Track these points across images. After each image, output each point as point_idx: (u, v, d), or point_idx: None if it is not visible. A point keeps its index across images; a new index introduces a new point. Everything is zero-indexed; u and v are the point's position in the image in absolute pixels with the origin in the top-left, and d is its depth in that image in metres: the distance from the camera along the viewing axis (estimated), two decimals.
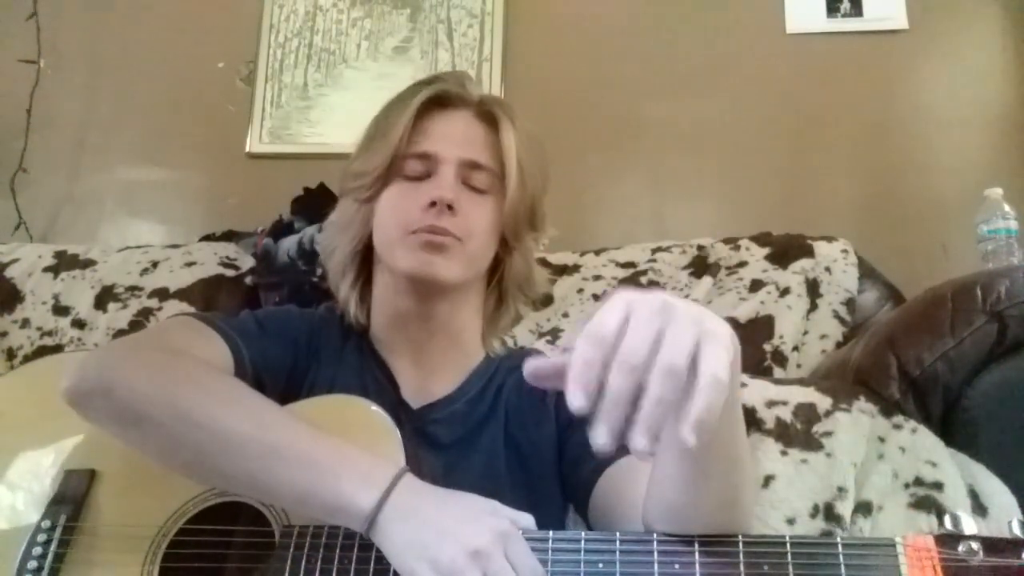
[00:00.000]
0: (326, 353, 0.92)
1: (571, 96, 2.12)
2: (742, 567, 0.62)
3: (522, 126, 0.93)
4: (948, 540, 0.59)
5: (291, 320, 0.94)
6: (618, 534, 0.65)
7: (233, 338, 0.84)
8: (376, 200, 0.91)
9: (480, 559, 0.62)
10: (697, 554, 0.63)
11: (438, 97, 0.91)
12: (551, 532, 0.67)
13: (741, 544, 0.63)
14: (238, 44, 2.27)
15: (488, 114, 0.93)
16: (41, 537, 0.74)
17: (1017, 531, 0.59)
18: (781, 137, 2.03)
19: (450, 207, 0.85)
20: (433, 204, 0.85)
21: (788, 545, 0.62)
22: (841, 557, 0.61)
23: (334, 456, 0.68)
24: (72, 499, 0.76)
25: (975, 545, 0.59)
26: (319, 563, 0.68)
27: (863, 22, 2.06)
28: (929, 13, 2.03)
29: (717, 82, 2.08)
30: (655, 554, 0.64)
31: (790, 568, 0.61)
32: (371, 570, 0.67)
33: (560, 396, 0.87)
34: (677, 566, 0.63)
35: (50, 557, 0.73)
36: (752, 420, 1.06)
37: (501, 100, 0.97)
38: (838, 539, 0.62)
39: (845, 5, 2.07)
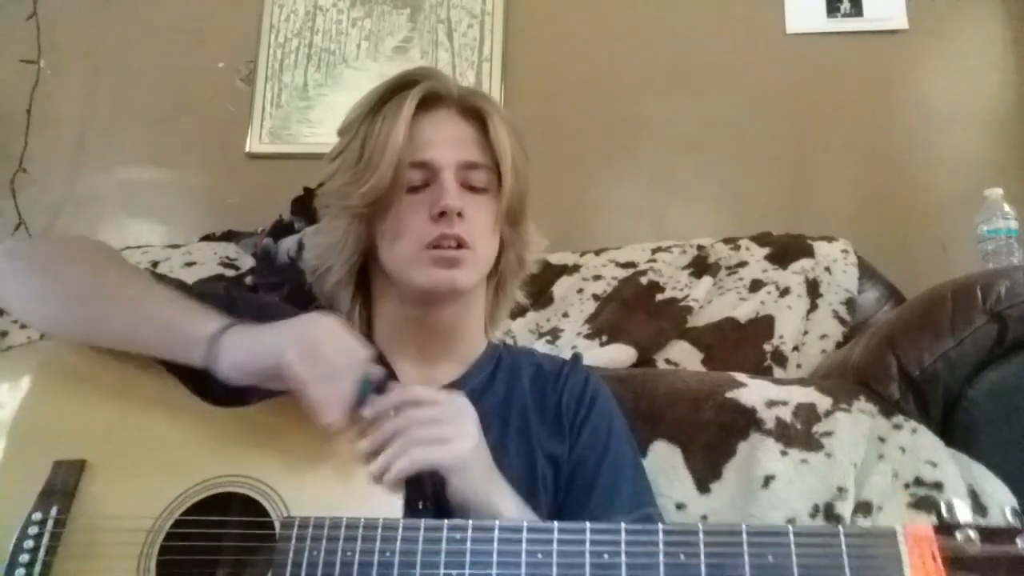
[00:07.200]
0: None
1: (571, 96, 2.12)
2: (746, 557, 0.63)
3: (506, 117, 0.93)
4: (946, 529, 0.61)
5: (273, 314, 0.95)
6: (623, 524, 0.66)
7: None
8: (374, 215, 0.90)
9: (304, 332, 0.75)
10: (702, 544, 0.64)
11: (423, 98, 0.90)
12: (555, 523, 0.68)
13: (745, 534, 0.64)
14: (238, 44, 2.27)
15: (472, 110, 0.92)
16: (32, 530, 0.72)
17: (1010, 519, 0.61)
18: (781, 137, 2.03)
19: (459, 214, 0.86)
20: (442, 214, 0.86)
21: (792, 535, 0.63)
22: (844, 547, 0.62)
23: (191, 303, 0.81)
24: (63, 490, 0.75)
25: (972, 533, 0.61)
26: (322, 554, 0.68)
27: (863, 22, 2.06)
28: (929, 13, 2.03)
29: (717, 82, 2.08)
30: (660, 544, 0.64)
31: (794, 558, 0.62)
32: (375, 562, 0.67)
33: (582, 418, 0.92)
34: (682, 556, 0.64)
35: (42, 550, 0.71)
36: (752, 420, 1.06)
37: (480, 93, 0.96)
38: (840, 529, 0.63)
39: (845, 5, 2.07)
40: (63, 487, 0.75)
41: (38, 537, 0.72)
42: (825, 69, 2.05)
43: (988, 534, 0.60)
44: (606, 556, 0.65)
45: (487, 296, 0.99)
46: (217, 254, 1.85)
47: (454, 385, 0.91)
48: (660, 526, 0.66)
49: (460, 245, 0.86)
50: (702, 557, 0.63)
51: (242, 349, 0.75)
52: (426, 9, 2.26)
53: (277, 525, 0.71)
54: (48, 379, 0.83)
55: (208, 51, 2.27)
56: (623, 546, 0.65)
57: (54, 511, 0.73)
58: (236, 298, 0.94)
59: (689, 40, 2.12)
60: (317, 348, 0.74)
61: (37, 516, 0.73)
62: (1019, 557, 0.59)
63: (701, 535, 0.64)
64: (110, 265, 0.88)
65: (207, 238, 1.99)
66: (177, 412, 0.78)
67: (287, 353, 0.72)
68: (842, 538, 0.62)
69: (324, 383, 0.72)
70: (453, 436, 0.75)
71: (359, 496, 0.72)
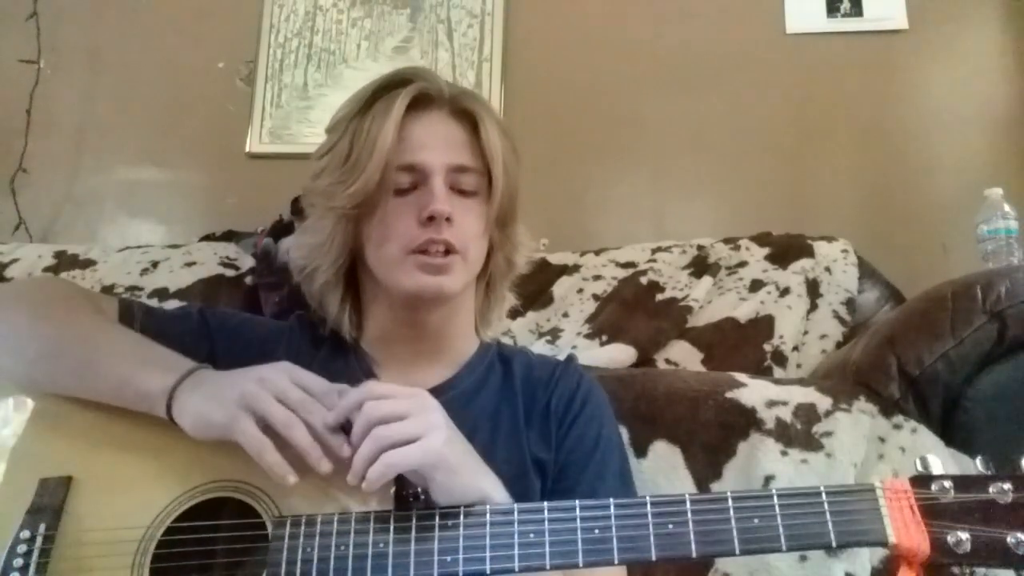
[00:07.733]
0: (289, 360, 0.90)
1: (571, 96, 2.12)
2: (733, 522, 0.65)
3: (497, 118, 0.92)
4: (922, 480, 0.65)
5: (251, 329, 0.95)
6: (612, 500, 0.68)
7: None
8: (361, 216, 0.88)
9: (248, 397, 0.71)
10: (690, 513, 0.66)
11: (414, 99, 0.88)
12: (545, 503, 0.69)
13: (731, 500, 0.66)
14: (238, 44, 2.27)
15: (463, 111, 0.90)
16: (21, 548, 0.71)
17: (981, 467, 0.65)
18: (781, 137, 2.03)
19: (447, 219, 0.84)
20: (431, 218, 0.84)
21: (775, 498, 0.66)
22: (826, 505, 0.65)
23: (146, 353, 0.80)
24: (50, 507, 0.73)
25: (947, 483, 0.64)
26: (316, 551, 0.68)
27: (863, 22, 2.06)
28: (929, 13, 2.04)
29: (717, 82, 2.08)
30: (649, 516, 0.67)
31: (779, 519, 0.65)
32: (369, 554, 0.67)
33: (570, 421, 0.90)
34: (671, 526, 0.66)
35: (32, 568, 0.70)
36: (752, 420, 1.06)
37: (472, 93, 0.94)
38: (822, 488, 0.66)
39: (845, 5, 2.08)
40: (50, 504, 0.74)
41: (27, 555, 0.71)
42: (825, 69, 2.05)
43: (961, 483, 0.64)
44: (597, 531, 0.67)
45: (477, 296, 0.97)
46: (217, 254, 1.85)
47: (445, 387, 0.90)
48: (648, 498, 0.68)
49: (448, 251, 0.85)
50: (690, 526, 0.66)
51: (192, 415, 0.73)
52: (426, 9, 2.26)
53: (269, 525, 0.71)
54: (30, 397, 0.82)
55: (208, 51, 2.27)
56: (613, 520, 0.67)
57: (42, 528, 0.72)
58: (210, 321, 0.93)
59: (689, 40, 2.12)
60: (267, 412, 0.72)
61: (25, 534, 0.72)
62: (991, 501, 0.63)
63: (688, 504, 0.67)
64: (61, 313, 0.84)
65: (207, 238, 1.99)
66: (162, 420, 0.76)
67: (236, 423, 0.70)
68: (824, 497, 0.66)
69: (287, 435, 0.70)
70: (422, 431, 0.71)
71: (349, 491, 0.72)
